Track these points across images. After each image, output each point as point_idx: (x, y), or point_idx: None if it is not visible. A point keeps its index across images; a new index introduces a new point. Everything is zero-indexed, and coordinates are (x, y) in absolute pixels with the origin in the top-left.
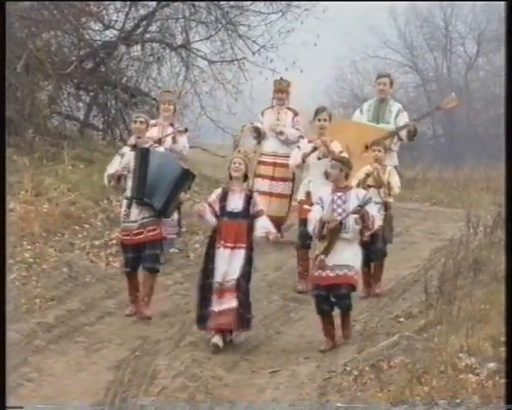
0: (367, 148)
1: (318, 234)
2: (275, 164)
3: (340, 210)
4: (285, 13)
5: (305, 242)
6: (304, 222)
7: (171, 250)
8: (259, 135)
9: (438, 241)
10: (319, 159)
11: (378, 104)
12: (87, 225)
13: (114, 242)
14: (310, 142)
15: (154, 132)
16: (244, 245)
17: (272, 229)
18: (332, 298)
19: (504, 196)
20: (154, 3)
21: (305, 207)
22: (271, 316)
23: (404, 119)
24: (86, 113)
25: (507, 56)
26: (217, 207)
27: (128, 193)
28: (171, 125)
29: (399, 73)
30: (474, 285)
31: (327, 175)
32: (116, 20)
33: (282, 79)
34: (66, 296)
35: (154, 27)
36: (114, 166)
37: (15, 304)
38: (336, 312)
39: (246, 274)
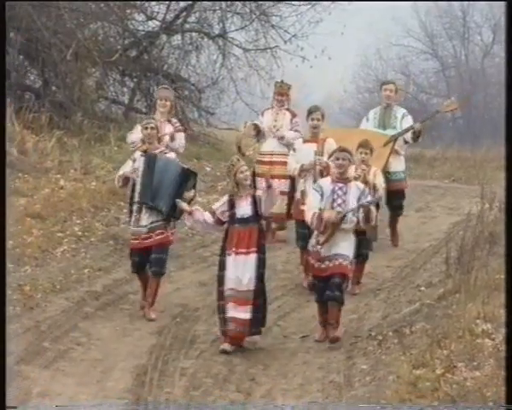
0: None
1: (317, 228)
2: (271, 162)
3: (339, 201)
4: (314, 4)
5: (303, 242)
6: (301, 223)
7: None
8: (259, 133)
9: (456, 215)
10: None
11: (383, 111)
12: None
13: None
14: (305, 142)
15: None
16: (255, 249)
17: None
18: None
19: (505, 195)
20: None
21: (301, 207)
22: (301, 285)
23: (408, 122)
24: (130, 97)
25: (507, 56)
26: (222, 216)
27: (136, 198)
28: (169, 121)
29: (420, 60)
30: (489, 257)
31: (322, 173)
32: (158, 12)
33: (282, 82)
34: (112, 267)
35: (192, 18)
36: (124, 170)
37: (65, 274)
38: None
39: (260, 277)
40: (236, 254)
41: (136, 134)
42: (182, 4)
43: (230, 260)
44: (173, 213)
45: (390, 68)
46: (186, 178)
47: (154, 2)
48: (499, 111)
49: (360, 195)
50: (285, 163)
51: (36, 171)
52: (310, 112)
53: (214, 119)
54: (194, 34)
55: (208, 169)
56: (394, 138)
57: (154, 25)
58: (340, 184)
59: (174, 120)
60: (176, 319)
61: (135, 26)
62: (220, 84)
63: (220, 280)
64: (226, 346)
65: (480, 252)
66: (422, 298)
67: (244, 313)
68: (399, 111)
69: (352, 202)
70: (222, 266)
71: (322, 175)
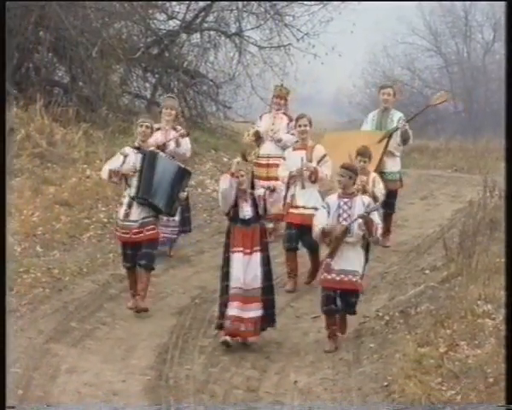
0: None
1: (321, 241)
2: (268, 165)
3: (345, 215)
4: (325, 4)
5: (291, 244)
6: (290, 225)
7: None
8: (259, 139)
9: (459, 203)
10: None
11: (381, 114)
12: None
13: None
14: (294, 149)
15: (158, 136)
16: (259, 248)
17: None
18: (339, 301)
19: (505, 195)
20: None
21: (291, 210)
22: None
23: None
24: (152, 92)
25: (507, 55)
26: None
27: (131, 193)
28: (174, 128)
29: (425, 57)
30: (490, 242)
31: (310, 178)
32: (178, 12)
33: (282, 85)
34: None
35: (211, 17)
36: (115, 164)
37: (92, 258)
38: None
39: (267, 274)
40: (241, 253)
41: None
42: (201, 4)
43: (235, 258)
44: (169, 211)
45: (396, 65)
46: (182, 177)
47: (174, 3)
48: (499, 105)
49: (365, 208)
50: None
51: (64, 161)
52: (297, 119)
53: (231, 112)
54: (212, 33)
55: (225, 160)
56: (389, 134)
57: (174, 24)
58: (346, 199)
59: (179, 128)
60: (195, 300)
61: (156, 25)
62: (236, 80)
63: (224, 276)
64: (228, 338)
65: (481, 237)
66: (427, 281)
67: (254, 311)
68: (396, 115)
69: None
70: (226, 263)
71: (310, 179)
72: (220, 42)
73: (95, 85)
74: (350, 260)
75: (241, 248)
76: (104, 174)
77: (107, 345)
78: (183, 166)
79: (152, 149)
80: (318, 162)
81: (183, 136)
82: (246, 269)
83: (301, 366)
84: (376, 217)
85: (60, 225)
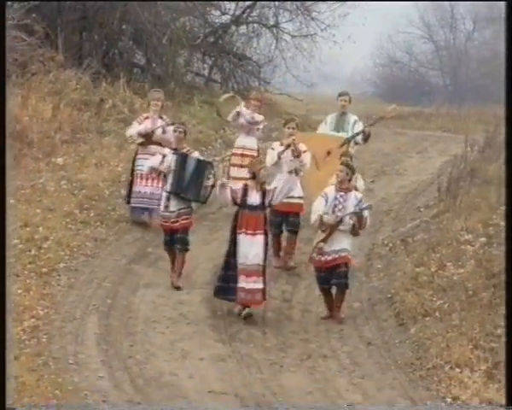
0: (329, 153)
1: (318, 227)
2: (242, 155)
3: (340, 206)
4: (343, 3)
5: (276, 229)
6: (275, 212)
7: None
8: (238, 115)
9: (446, 156)
10: (294, 157)
11: (339, 117)
12: (210, 147)
13: (228, 157)
14: (281, 144)
15: (147, 124)
16: (262, 232)
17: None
18: (332, 279)
19: (505, 193)
20: None
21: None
22: None
23: (359, 127)
24: (209, 71)
25: (507, 56)
26: (238, 198)
27: (168, 188)
28: (161, 117)
29: (420, 43)
30: (470, 186)
31: (296, 172)
32: (229, 9)
33: (258, 91)
34: None
35: (254, 13)
36: (155, 161)
37: None
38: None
39: (265, 254)
40: (246, 234)
41: (133, 129)
42: (247, 3)
43: (241, 238)
44: (198, 199)
45: (397, 49)
46: (204, 168)
47: (226, 2)
48: (479, 80)
49: (357, 203)
50: (253, 156)
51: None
52: (286, 122)
53: (270, 86)
54: (255, 25)
55: (265, 123)
56: (348, 141)
57: (226, 18)
58: (342, 193)
59: (165, 117)
60: None
61: (212, 19)
62: (274, 62)
63: (229, 253)
64: (246, 310)
65: (463, 183)
66: (421, 216)
67: (257, 284)
68: (352, 118)
69: (349, 209)
70: (233, 242)
71: (294, 155)
72: (261, 32)
73: (165, 66)
74: (340, 242)
75: (246, 230)
76: (132, 135)
77: None
78: (202, 158)
79: (183, 151)
80: (303, 152)
81: (169, 124)
82: (249, 247)
83: None
84: (366, 213)
85: None
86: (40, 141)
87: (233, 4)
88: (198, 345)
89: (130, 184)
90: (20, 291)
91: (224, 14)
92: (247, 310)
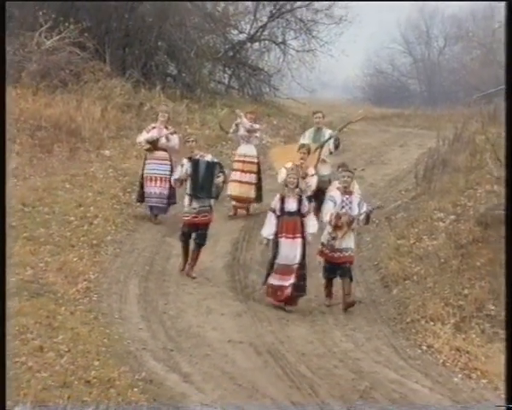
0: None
1: (334, 224)
2: (243, 162)
3: (347, 208)
4: (338, 23)
5: None
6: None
7: None
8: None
9: (423, 149)
10: (301, 178)
11: (316, 131)
12: (229, 141)
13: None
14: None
15: (153, 132)
16: (300, 235)
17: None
18: (338, 271)
19: (505, 192)
20: (266, 18)
21: None
22: None
23: (330, 138)
24: (229, 80)
25: (507, 57)
26: (277, 209)
27: (188, 191)
28: (166, 127)
29: (401, 57)
30: (442, 174)
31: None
32: (245, 28)
33: (253, 110)
34: None
35: (266, 32)
36: (178, 173)
37: None
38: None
39: (303, 254)
40: (287, 238)
41: (142, 136)
42: (259, 24)
43: (282, 241)
44: (211, 195)
45: (382, 61)
46: (213, 168)
47: (242, 22)
48: (449, 87)
49: (359, 203)
50: (253, 163)
51: (175, 124)
52: (298, 148)
53: (278, 92)
54: (266, 42)
55: (275, 122)
56: (321, 145)
57: (242, 36)
58: (347, 196)
59: (170, 127)
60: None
61: (231, 37)
62: (282, 72)
63: (273, 255)
64: (288, 307)
65: (437, 170)
66: (402, 198)
67: (289, 281)
68: (327, 132)
69: (355, 209)
70: (276, 246)
71: (301, 176)
72: (271, 48)
73: (192, 76)
74: (348, 241)
75: (286, 234)
76: (142, 142)
77: None
78: (210, 160)
79: (196, 157)
80: (310, 176)
81: (172, 133)
82: (290, 250)
83: None
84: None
85: None
86: (91, 137)
87: (248, 25)
88: (220, 303)
89: (141, 186)
90: (75, 259)
91: (241, 32)
92: (289, 307)
